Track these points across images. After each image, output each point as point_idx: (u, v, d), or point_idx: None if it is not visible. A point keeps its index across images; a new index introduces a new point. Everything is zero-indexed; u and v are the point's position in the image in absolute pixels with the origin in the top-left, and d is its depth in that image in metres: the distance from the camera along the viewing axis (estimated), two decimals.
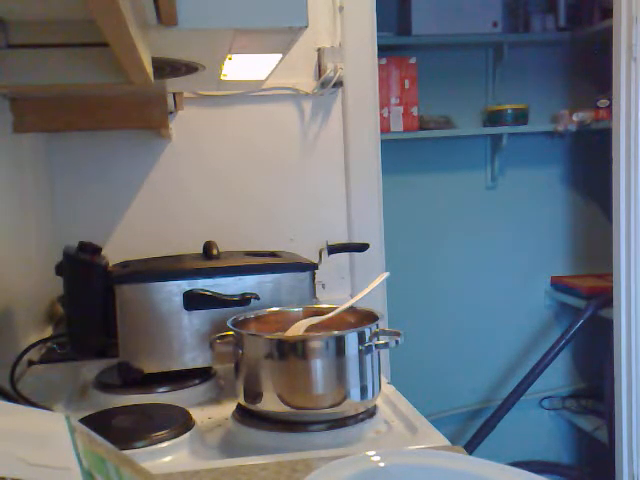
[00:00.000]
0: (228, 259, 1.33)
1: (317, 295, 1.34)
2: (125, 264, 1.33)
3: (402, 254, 2.86)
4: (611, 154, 2.16)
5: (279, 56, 1.18)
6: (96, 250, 1.22)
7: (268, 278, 1.26)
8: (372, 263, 2.02)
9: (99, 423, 1.03)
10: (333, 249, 1.43)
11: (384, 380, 1.17)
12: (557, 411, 3.14)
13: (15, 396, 1.08)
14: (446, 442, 0.98)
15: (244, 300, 1.23)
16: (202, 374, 1.26)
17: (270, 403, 1.02)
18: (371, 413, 1.07)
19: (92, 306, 1.22)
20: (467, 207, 3.04)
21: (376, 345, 1.03)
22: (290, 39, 1.01)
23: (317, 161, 2.03)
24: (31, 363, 1.44)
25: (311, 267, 1.30)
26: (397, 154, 2.87)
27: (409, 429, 1.04)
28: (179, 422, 1.05)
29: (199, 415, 1.12)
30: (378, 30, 2.07)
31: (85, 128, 1.71)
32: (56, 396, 1.23)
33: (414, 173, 2.98)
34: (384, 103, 2.72)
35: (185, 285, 1.22)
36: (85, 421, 1.02)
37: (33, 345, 1.29)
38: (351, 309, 1.12)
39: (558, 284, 3.08)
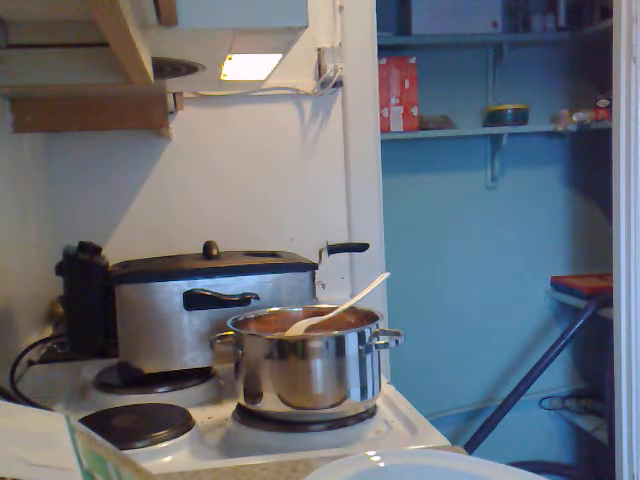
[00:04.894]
0: (228, 259, 1.33)
1: (317, 295, 1.34)
2: (125, 264, 1.33)
3: (402, 254, 2.86)
4: (611, 154, 2.16)
5: (279, 56, 1.18)
6: (96, 250, 1.22)
7: (268, 278, 1.26)
8: (372, 263, 2.02)
9: (99, 423, 1.03)
10: (333, 249, 1.43)
11: (384, 380, 1.17)
12: (557, 411, 3.14)
13: (15, 396, 1.08)
14: (446, 442, 0.98)
15: (244, 300, 1.23)
16: (202, 374, 1.26)
17: (270, 403, 1.02)
18: (371, 413, 1.07)
19: (92, 306, 1.22)
20: (467, 207, 3.04)
21: (376, 345, 1.03)
22: (290, 39, 1.01)
23: (317, 161, 2.03)
24: (31, 363, 1.44)
25: (311, 267, 1.30)
26: (397, 154, 2.87)
27: (409, 429, 1.04)
28: (179, 422, 1.05)
29: (199, 415, 1.12)
30: (378, 30, 2.07)
31: (85, 128, 1.71)
32: (56, 396, 1.23)
33: (414, 173, 2.98)
34: (384, 103, 2.71)
35: (185, 285, 1.22)
36: (85, 421, 1.02)
37: (33, 345, 1.29)
38: (351, 309, 1.12)
39: (558, 284, 3.08)
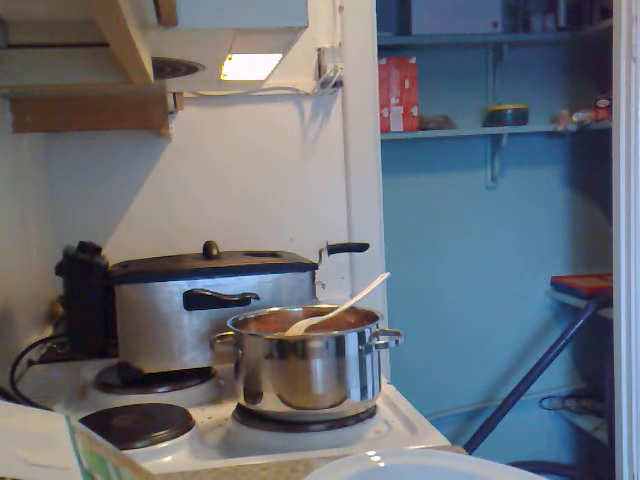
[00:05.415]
0: (228, 259, 1.33)
1: (317, 295, 1.34)
2: (125, 264, 1.33)
3: (402, 254, 2.86)
4: (611, 154, 2.16)
5: (279, 56, 1.18)
6: (96, 250, 1.22)
7: (268, 278, 1.26)
8: (372, 263, 2.02)
9: (99, 423, 1.03)
10: (333, 249, 1.43)
11: (384, 380, 1.17)
12: (557, 411, 3.14)
13: (15, 396, 1.08)
14: (446, 442, 0.98)
15: (244, 300, 1.23)
16: (202, 374, 1.26)
17: (270, 403, 1.02)
18: (371, 413, 1.07)
19: (92, 306, 1.22)
20: (467, 207, 3.04)
21: (376, 345, 1.03)
22: (290, 39, 1.01)
23: (317, 161, 2.03)
24: (31, 363, 1.44)
25: (311, 267, 1.30)
26: (397, 154, 2.87)
27: (409, 429, 1.04)
28: (179, 422, 1.05)
29: (199, 415, 1.12)
30: (378, 30, 2.07)
31: (85, 128, 1.71)
32: (56, 396, 1.23)
33: (414, 173, 2.98)
34: (384, 103, 2.71)
35: (185, 285, 1.22)
36: (85, 421, 1.02)
37: (33, 345, 1.29)
38: (351, 309, 1.12)
39: (558, 284, 3.08)
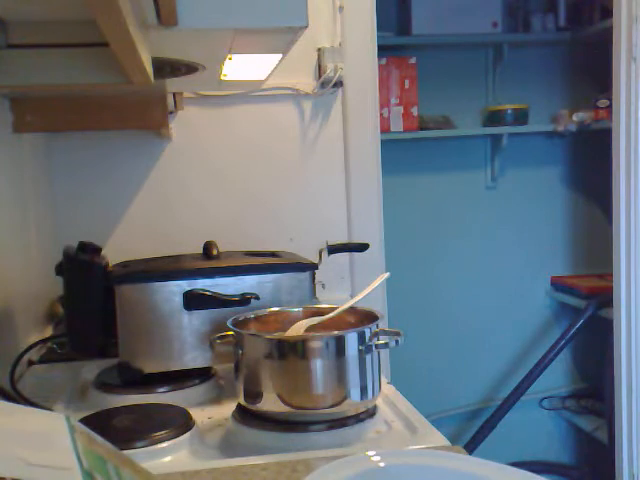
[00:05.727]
0: (228, 259, 1.33)
1: (317, 295, 1.34)
2: (125, 264, 1.33)
3: (402, 254, 2.86)
4: (611, 154, 2.16)
5: (279, 56, 1.18)
6: (96, 250, 1.22)
7: (268, 278, 1.26)
8: (372, 263, 2.02)
9: (99, 423, 1.03)
10: (333, 249, 1.43)
11: (384, 380, 1.17)
12: (557, 411, 3.14)
13: (15, 396, 1.08)
14: (446, 442, 0.98)
15: (244, 300, 1.23)
16: (202, 374, 1.26)
17: (270, 403, 1.02)
18: (371, 413, 1.07)
19: (92, 306, 1.22)
20: (467, 207, 3.04)
21: (376, 345, 1.03)
22: (290, 39, 1.01)
23: (317, 161, 2.03)
24: (31, 363, 1.44)
25: (311, 267, 1.30)
26: (397, 154, 2.87)
27: (409, 429, 1.04)
28: (179, 422, 1.04)
29: (199, 415, 1.12)
30: (378, 30, 2.07)
31: (85, 128, 1.71)
32: (56, 396, 1.23)
33: (414, 173, 2.98)
34: (384, 103, 2.71)
35: (185, 285, 1.22)
36: (85, 421, 1.02)
37: (33, 345, 1.29)
38: (351, 309, 1.12)
39: (558, 284, 3.08)
